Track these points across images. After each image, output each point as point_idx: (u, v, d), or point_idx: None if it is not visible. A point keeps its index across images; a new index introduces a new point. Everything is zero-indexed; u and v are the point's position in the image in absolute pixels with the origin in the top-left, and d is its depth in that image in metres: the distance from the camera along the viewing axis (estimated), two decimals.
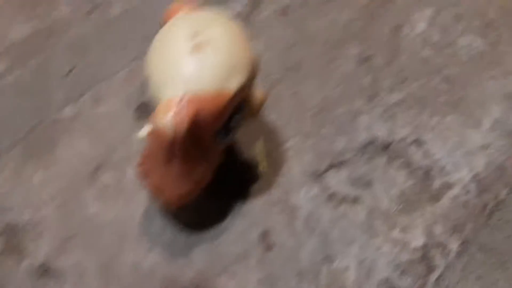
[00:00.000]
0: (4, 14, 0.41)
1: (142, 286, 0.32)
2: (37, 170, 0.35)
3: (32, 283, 0.31)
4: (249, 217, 0.35)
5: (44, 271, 0.32)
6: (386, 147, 0.39)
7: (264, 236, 0.35)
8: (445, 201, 0.37)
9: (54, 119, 0.37)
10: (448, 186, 0.38)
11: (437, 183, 0.38)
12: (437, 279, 0.35)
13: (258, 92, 0.33)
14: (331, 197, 0.37)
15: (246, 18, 0.43)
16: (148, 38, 0.29)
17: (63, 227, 0.33)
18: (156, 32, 0.30)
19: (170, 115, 0.27)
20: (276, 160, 0.37)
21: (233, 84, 0.29)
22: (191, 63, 0.28)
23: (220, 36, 0.29)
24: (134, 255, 0.33)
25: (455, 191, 0.38)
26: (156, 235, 0.34)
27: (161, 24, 0.31)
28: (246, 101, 0.31)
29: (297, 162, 0.38)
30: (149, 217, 0.34)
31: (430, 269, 0.35)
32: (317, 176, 0.37)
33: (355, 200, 0.37)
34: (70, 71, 0.39)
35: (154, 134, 0.28)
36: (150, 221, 0.34)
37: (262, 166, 0.37)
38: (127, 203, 0.35)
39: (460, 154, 0.39)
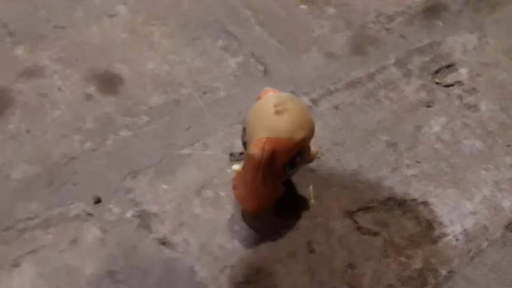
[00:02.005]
0: (146, 90, 0.62)
1: (226, 258, 0.48)
2: (163, 183, 0.53)
3: (157, 247, 0.49)
4: (300, 231, 0.51)
5: (164, 242, 0.49)
6: (401, 203, 0.55)
7: (309, 244, 0.51)
8: (441, 244, 0.52)
9: (177, 154, 0.56)
10: (444, 235, 0.53)
11: (436, 232, 0.53)
12: None
13: (313, 148, 0.50)
14: (358, 228, 0.52)
15: (310, 108, 0.62)
16: (240, 112, 0.49)
17: (177, 218, 0.51)
18: (247, 107, 0.49)
19: (259, 146, 0.45)
20: (322, 199, 0.54)
21: (299, 136, 0.46)
22: (274, 120, 0.46)
23: (293, 107, 0.47)
24: (221, 240, 0.49)
25: (448, 238, 0.53)
26: (237, 232, 0.50)
27: (256, 100, 0.49)
28: (305, 149, 0.49)
29: (336, 203, 0.54)
30: (234, 220, 0.51)
31: (424, 284, 0.49)
32: (350, 213, 0.53)
33: (376, 234, 0.52)
34: (188, 128, 0.59)
35: (248, 158, 0.46)
36: (234, 223, 0.51)
37: (312, 201, 0.54)
38: (220, 209, 0.52)
39: (455, 215, 0.54)
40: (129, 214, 0.51)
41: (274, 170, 0.46)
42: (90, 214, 0.51)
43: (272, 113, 0.46)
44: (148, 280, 0.47)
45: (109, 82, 0.62)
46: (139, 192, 0.52)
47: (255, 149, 0.45)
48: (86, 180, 0.53)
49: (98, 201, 0.51)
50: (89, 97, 0.60)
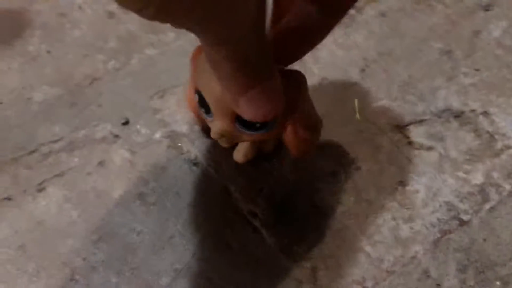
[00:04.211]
0: None
1: (262, 178, 0.44)
2: None
3: (188, 168, 0.45)
4: (344, 148, 0.46)
5: (195, 163, 0.45)
6: (459, 115, 0.49)
7: (354, 161, 0.46)
8: (504, 157, 0.46)
9: None
10: (507, 147, 0.47)
11: (499, 144, 0.47)
12: (490, 209, 0.43)
13: None
14: (410, 143, 0.47)
15: (351, 17, 0.55)
16: None
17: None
18: None
19: None
20: (368, 113, 0.49)
21: None
22: None
23: None
24: (256, 159, 0.45)
25: None
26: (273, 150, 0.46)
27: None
28: None
29: (384, 117, 0.49)
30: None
31: (485, 200, 0.44)
32: (400, 127, 0.48)
33: (429, 148, 0.47)
34: None
35: None
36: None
37: (357, 115, 0.48)
38: None
39: None
40: (158, 135, 0.47)
41: None
42: (117, 136, 0.47)
43: None
44: (181, 201, 0.43)
45: None
46: (167, 112, 0.48)
47: None
48: (111, 101, 0.49)
49: (126, 122, 0.48)
50: (111, 15, 0.56)
